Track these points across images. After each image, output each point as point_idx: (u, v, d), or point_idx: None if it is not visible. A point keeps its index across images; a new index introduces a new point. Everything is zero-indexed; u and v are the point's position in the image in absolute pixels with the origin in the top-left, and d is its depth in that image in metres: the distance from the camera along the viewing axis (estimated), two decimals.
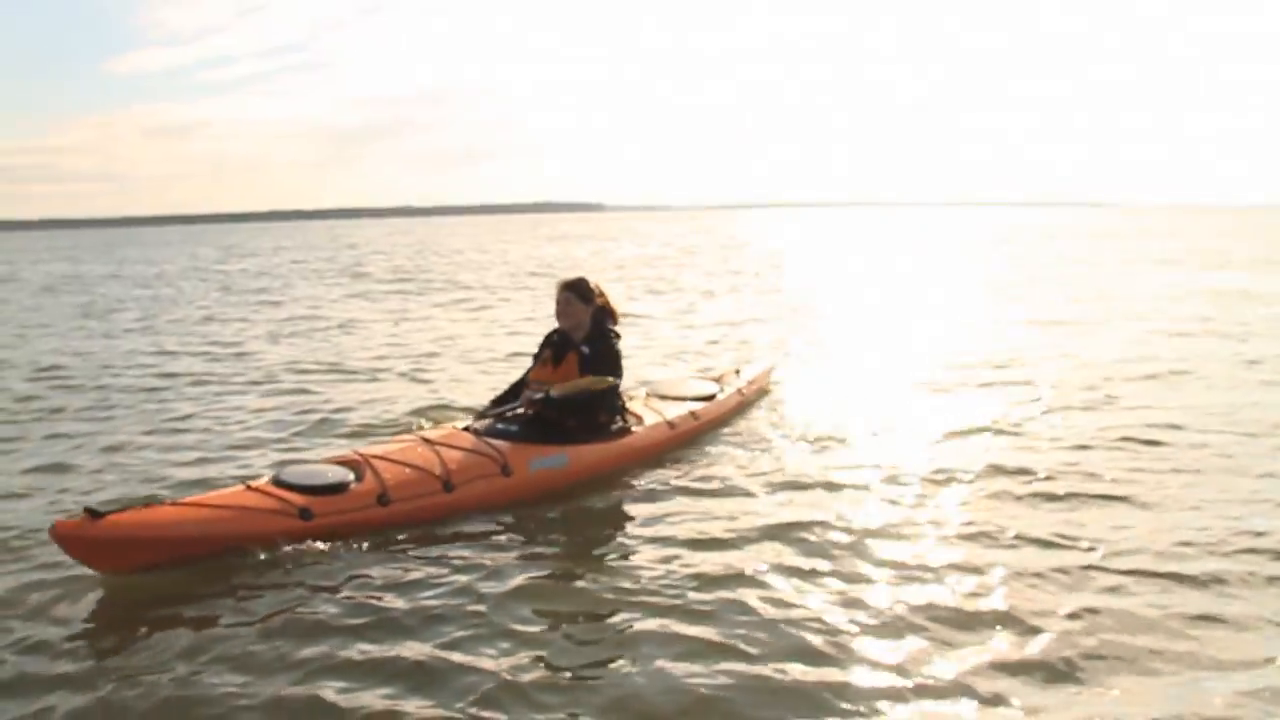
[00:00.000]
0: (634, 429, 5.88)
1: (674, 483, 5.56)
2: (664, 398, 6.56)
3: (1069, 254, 30.27)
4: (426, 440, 5.16)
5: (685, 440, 6.18)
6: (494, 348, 11.15)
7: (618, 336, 5.81)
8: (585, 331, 5.70)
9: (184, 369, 10.09)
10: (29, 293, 22.63)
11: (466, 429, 5.43)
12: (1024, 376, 8.54)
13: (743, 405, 7.00)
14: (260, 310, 16.64)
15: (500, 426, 5.46)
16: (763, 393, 7.47)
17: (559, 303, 5.73)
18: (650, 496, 5.36)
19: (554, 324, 5.82)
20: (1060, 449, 6.15)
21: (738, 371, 7.46)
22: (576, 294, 5.70)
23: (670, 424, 6.11)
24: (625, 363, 5.85)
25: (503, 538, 4.79)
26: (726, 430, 6.59)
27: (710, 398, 6.69)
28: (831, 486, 5.42)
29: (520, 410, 5.54)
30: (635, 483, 5.57)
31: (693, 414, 6.34)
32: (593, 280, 5.83)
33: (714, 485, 5.50)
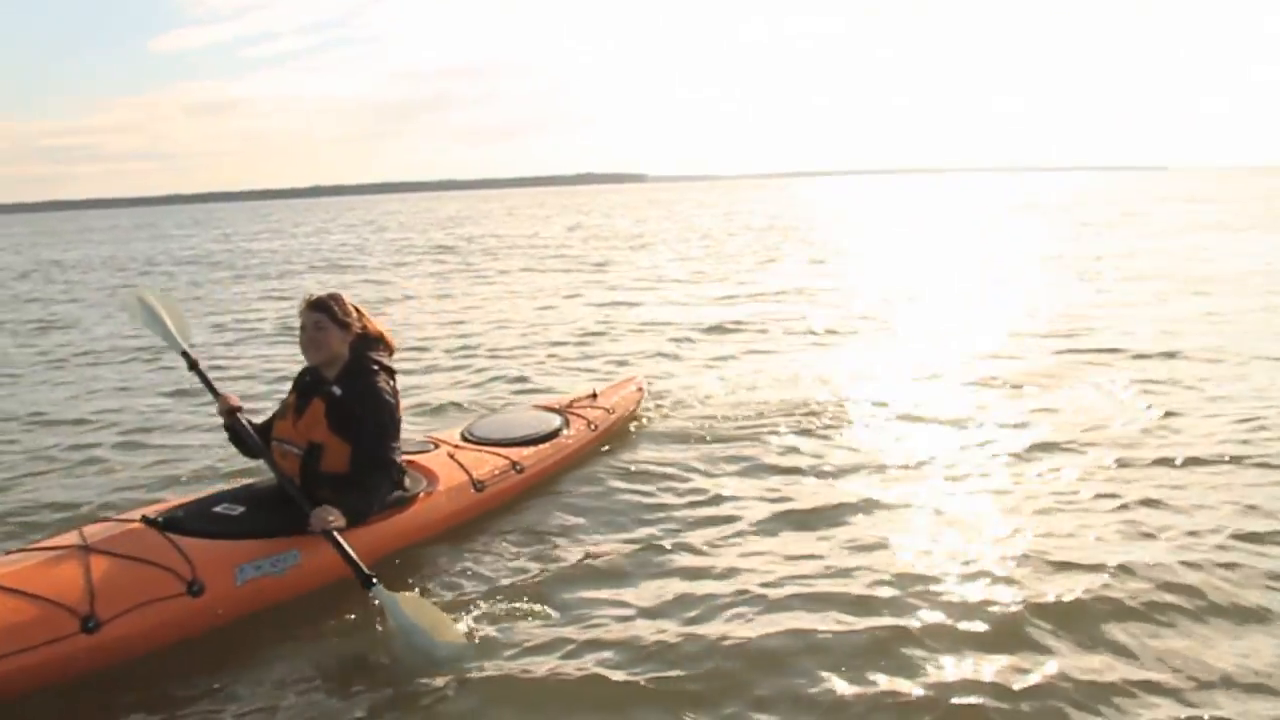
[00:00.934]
0: (423, 494, 4.27)
1: (454, 574, 4.01)
2: (481, 443, 4.88)
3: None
4: (82, 545, 3.48)
5: (497, 505, 4.57)
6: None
7: (389, 373, 4.14)
8: (341, 367, 4.06)
9: None
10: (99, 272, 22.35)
11: (145, 519, 3.70)
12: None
13: (596, 442, 5.33)
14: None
15: (217, 510, 3.84)
16: (628, 420, 5.81)
17: (305, 328, 4.02)
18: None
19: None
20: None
21: (594, 394, 5.72)
22: (329, 316, 4.00)
23: (476, 484, 4.49)
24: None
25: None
26: (565, 482, 4.96)
27: (549, 437, 5.06)
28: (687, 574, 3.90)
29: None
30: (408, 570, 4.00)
31: (514, 465, 4.71)
32: (349, 297, 4.13)
33: (514, 579, 3.92)
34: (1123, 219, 28.70)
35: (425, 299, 14.14)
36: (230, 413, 4.03)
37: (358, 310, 4.13)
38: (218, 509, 3.87)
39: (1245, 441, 5.44)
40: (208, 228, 50.76)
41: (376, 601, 3.54)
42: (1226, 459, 5.14)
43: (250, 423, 4.07)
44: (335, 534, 3.68)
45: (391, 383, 4.13)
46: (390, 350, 4.23)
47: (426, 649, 3.36)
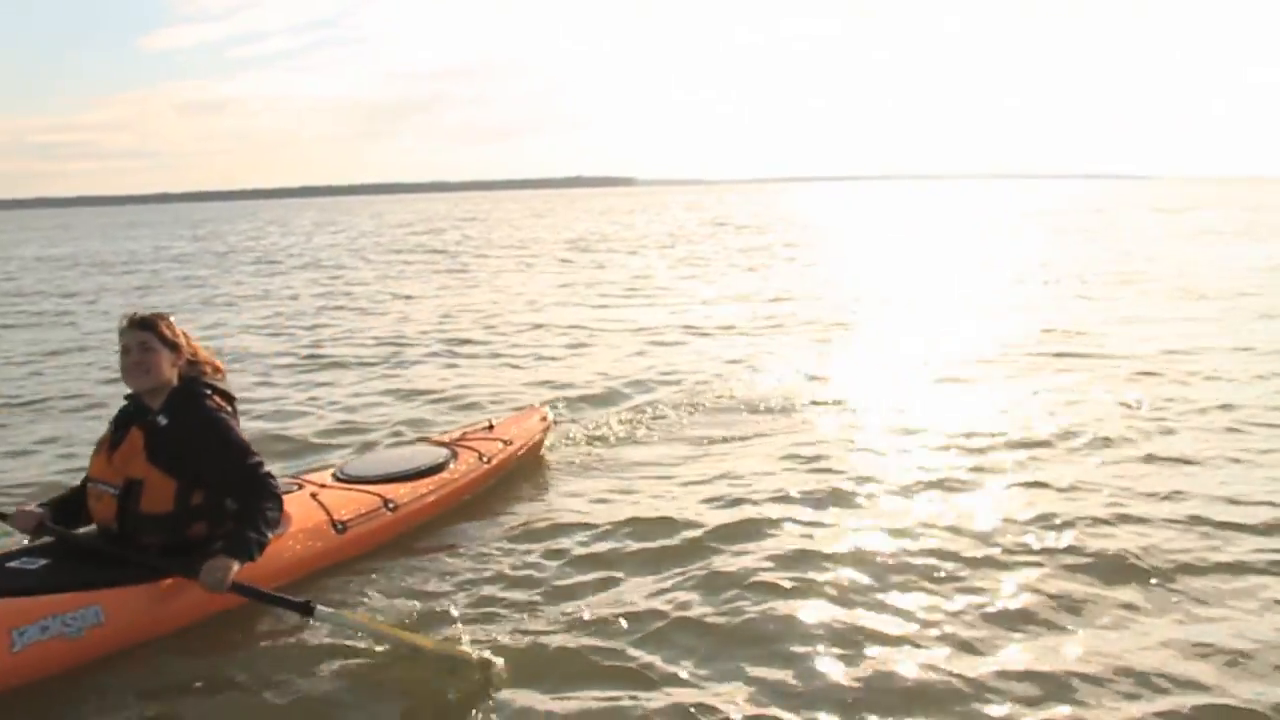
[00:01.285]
0: (270, 538, 3.74)
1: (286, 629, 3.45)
2: (352, 481, 4.34)
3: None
4: None
5: (363, 547, 4.02)
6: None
7: (226, 398, 3.62)
8: (168, 394, 3.50)
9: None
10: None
11: None
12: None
13: (488, 477, 4.76)
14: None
15: (11, 565, 3.28)
16: (530, 453, 5.21)
17: (128, 350, 3.45)
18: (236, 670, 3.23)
19: None
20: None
21: (490, 425, 5.16)
22: (157, 336, 3.46)
23: (337, 524, 3.94)
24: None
25: None
26: (447, 520, 4.41)
27: (430, 472, 4.49)
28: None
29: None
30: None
31: (386, 503, 4.15)
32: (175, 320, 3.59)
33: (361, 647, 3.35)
34: (1114, 228, 28.52)
35: (405, 300, 14.07)
36: (37, 529, 3.50)
37: (184, 335, 3.61)
38: (12, 564, 3.35)
39: (1225, 437, 5.58)
40: (196, 226, 50.31)
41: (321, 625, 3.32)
42: (1206, 456, 5.21)
43: (65, 502, 3.65)
44: (239, 584, 3.29)
45: (230, 408, 3.64)
46: (221, 372, 3.72)
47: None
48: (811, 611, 3.44)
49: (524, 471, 5.09)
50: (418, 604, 3.62)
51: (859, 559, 3.89)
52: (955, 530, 4.16)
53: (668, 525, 4.33)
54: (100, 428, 5.96)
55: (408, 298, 14.22)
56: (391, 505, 4.20)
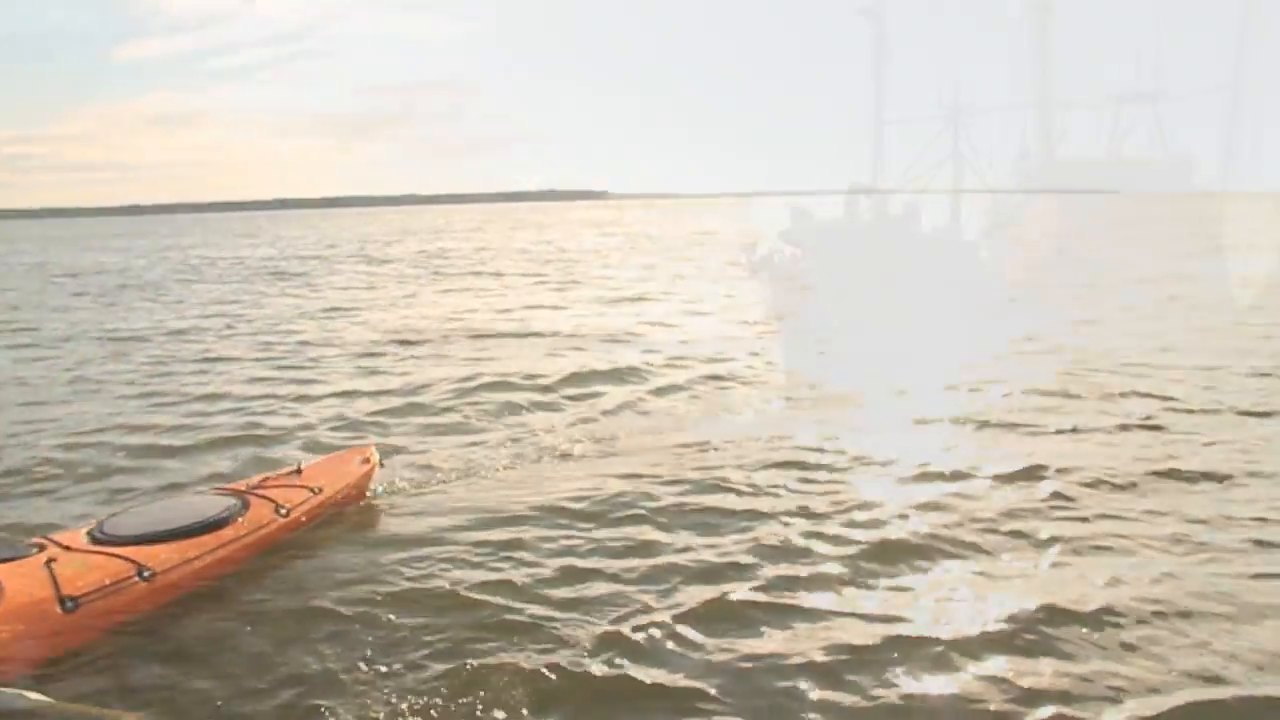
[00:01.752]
0: None
1: None
2: (106, 543, 3.58)
3: None
4: None
5: (101, 630, 3.29)
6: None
7: None
8: None
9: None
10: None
11: None
12: None
13: (284, 533, 4.02)
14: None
15: None
16: (347, 502, 4.48)
17: None
18: None
19: None
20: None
21: (298, 469, 4.41)
22: None
23: (66, 601, 3.22)
24: None
25: None
26: (225, 590, 3.66)
27: (206, 529, 3.75)
28: None
29: None
30: None
31: (140, 571, 3.43)
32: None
33: None
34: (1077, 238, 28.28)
35: (372, 307, 13.82)
36: None
37: None
38: None
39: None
40: (166, 238, 49.42)
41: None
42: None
43: None
44: None
45: None
46: None
47: None
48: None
49: (341, 523, 4.38)
50: (159, 693, 3.00)
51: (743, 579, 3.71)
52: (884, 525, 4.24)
53: (508, 583, 3.76)
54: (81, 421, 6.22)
55: (373, 305, 14.07)
56: (147, 573, 3.49)
